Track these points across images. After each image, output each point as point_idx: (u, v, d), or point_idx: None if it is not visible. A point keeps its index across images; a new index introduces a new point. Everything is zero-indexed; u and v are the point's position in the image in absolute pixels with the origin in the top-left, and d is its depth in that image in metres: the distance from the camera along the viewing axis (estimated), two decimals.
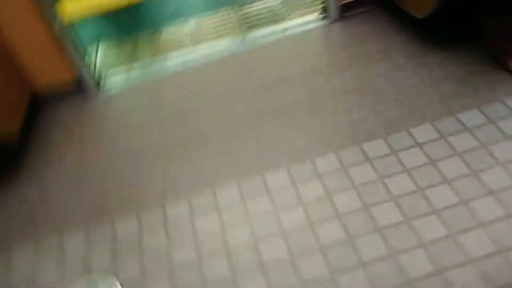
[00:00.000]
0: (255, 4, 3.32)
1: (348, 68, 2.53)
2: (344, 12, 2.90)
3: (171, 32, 3.24)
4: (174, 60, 2.92)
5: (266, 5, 3.29)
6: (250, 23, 3.10)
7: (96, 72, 2.87)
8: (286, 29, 2.95)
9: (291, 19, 3.03)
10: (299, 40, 2.87)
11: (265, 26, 3.04)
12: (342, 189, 1.86)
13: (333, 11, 2.88)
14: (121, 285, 1.69)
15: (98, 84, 2.82)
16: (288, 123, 2.26)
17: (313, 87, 2.46)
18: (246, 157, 2.12)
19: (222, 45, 2.95)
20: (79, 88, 2.77)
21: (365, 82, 2.40)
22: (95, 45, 3.17)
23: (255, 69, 2.71)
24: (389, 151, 1.99)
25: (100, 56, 3.10)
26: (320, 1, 2.99)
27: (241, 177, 2.02)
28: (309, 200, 1.85)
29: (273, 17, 3.13)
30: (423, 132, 2.04)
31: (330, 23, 2.91)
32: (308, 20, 2.98)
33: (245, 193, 1.94)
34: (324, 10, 2.94)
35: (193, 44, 3.04)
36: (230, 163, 2.10)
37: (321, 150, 2.06)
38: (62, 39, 2.53)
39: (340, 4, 2.86)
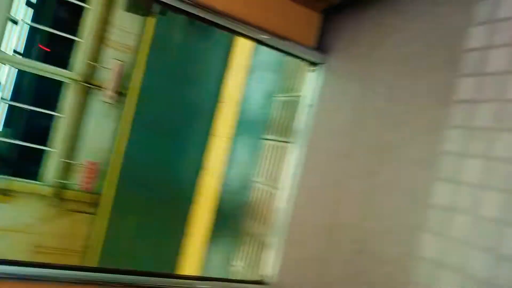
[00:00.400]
0: (268, 140, 3.50)
1: (370, 72, 2.54)
2: (323, 47, 3.01)
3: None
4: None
5: (278, 114, 3.47)
6: (283, 132, 3.26)
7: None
8: (311, 104, 3.07)
9: (301, 92, 3.18)
10: (321, 105, 2.96)
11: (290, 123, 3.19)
12: (490, 142, 1.74)
13: (315, 55, 3.00)
14: None
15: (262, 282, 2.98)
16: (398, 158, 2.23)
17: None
18: (400, 211, 2.07)
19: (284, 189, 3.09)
20: None
21: (394, 62, 2.38)
22: None
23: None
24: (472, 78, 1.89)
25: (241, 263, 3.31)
26: (307, 60, 3.12)
27: (419, 226, 1.95)
28: (481, 176, 1.73)
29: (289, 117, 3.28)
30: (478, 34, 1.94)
31: (327, 62, 3.01)
32: (311, 79, 3.10)
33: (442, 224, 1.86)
34: (312, 63, 3.07)
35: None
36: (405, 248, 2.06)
37: (439, 137, 1.99)
38: None
39: (315, 45, 2.99)
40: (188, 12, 2.61)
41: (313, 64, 3.08)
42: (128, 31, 10.93)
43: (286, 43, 2.92)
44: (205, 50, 5.33)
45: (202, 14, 2.62)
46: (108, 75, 10.57)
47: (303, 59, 3.07)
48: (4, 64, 10.14)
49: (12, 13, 9.94)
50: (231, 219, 3.69)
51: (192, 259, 3.92)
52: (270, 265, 3.02)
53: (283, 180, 3.13)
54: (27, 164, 11.11)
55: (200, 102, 4.86)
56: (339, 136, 2.68)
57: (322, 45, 3.03)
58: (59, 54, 11.17)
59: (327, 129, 2.83)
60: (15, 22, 10.29)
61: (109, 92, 10.49)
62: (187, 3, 2.58)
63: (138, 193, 7.09)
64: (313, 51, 3.00)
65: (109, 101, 10.57)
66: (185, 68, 6.21)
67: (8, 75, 10.49)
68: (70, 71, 10.63)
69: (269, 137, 3.48)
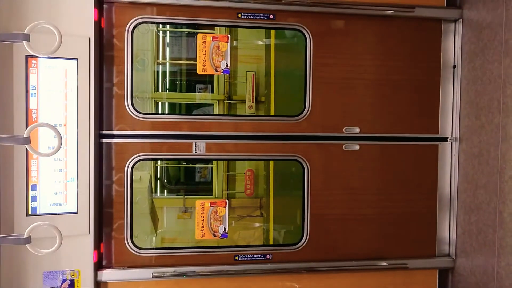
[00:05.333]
0: None
1: None
2: (455, 1, 2.80)
3: None
4: None
5: None
6: None
7: None
8: (454, 65, 2.89)
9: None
10: None
11: None
12: None
13: (447, 12, 2.81)
14: None
15: None
16: None
17: None
18: None
19: None
20: None
21: None
22: None
23: None
24: None
25: None
26: (439, 19, 2.95)
27: None
28: None
29: None
30: None
31: (464, 16, 2.80)
32: (449, 40, 2.92)
33: None
34: (446, 21, 2.89)
35: None
36: None
37: None
38: None
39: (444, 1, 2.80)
40: None
41: (448, 22, 2.90)
42: (253, 42, 11.57)
43: (413, 11, 2.81)
44: None
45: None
46: (245, 88, 11.33)
47: (435, 20, 2.92)
48: (158, 102, 11.65)
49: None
50: None
51: None
52: None
53: None
54: (197, 183, 12.46)
55: None
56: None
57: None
58: (200, 81, 12.36)
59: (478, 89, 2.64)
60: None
61: (249, 103, 11.26)
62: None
63: (295, 188, 7.37)
64: (444, 8, 2.84)
65: (250, 111, 11.34)
66: None
67: (162, 110, 11.99)
68: (213, 93, 11.68)
69: None
